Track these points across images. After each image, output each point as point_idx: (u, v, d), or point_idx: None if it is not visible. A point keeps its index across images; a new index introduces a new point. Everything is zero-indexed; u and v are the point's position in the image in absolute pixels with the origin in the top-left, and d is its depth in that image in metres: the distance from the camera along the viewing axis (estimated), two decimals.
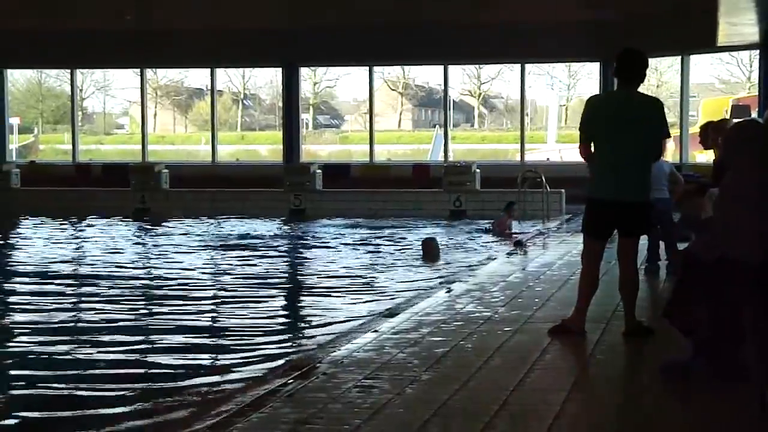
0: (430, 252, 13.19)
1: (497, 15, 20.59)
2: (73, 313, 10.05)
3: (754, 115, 20.96)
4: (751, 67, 29.94)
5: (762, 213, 5.55)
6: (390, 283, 11.39)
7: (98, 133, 39.20)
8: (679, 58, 21.49)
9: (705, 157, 19.24)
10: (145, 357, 7.93)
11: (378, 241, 15.98)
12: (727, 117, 21.62)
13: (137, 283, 11.91)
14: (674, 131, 19.21)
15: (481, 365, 6.21)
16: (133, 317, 9.65)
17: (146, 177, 21.85)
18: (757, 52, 19.79)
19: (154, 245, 16.03)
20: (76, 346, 8.28)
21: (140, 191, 21.65)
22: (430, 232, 16.71)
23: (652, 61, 24.93)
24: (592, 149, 6.99)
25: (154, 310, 10.16)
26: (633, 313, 7.07)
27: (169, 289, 11.25)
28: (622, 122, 6.88)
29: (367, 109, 25.21)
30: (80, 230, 18.64)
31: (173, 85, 38.50)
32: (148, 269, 13.26)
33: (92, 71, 33.14)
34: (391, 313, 8.27)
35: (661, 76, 31.12)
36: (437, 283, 10.53)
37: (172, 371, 7.25)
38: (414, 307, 8.46)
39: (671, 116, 21.82)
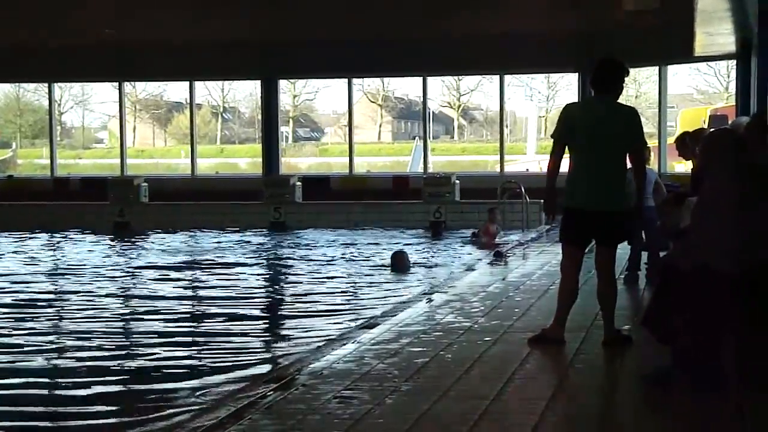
0: (399, 264, 13.21)
1: (476, 26, 20.66)
2: (51, 327, 9.97)
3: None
4: (728, 77, 30.18)
5: (738, 222, 5.58)
6: (370, 294, 11.39)
7: (77, 147, 39.11)
8: (657, 68, 21.60)
9: (683, 167, 19.34)
10: (124, 371, 7.88)
11: (358, 252, 15.97)
12: (705, 127, 21.76)
13: (114, 297, 11.83)
14: (653, 141, 19.27)
15: (461, 375, 6.19)
16: (110, 331, 9.59)
17: (125, 191, 21.79)
18: (734, 62, 19.91)
19: (133, 258, 15.95)
20: (52, 362, 8.21)
21: (119, 205, 21.57)
22: (411, 242, 16.72)
23: (631, 72, 25.11)
24: (566, 158, 6.99)
25: (131, 325, 10.09)
26: (612, 322, 7.07)
27: (147, 304, 11.18)
28: (598, 131, 6.88)
29: (347, 122, 25.21)
30: (57, 244, 18.53)
31: (152, 99, 38.47)
32: (127, 283, 13.18)
33: (71, 85, 33.08)
34: (371, 324, 8.24)
35: (639, 87, 31.33)
36: (417, 294, 10.51)
37: (150, 385, 7.21)
38: (394, 318, 8.44)
39: (650, 126, 21.93)
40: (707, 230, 5.72)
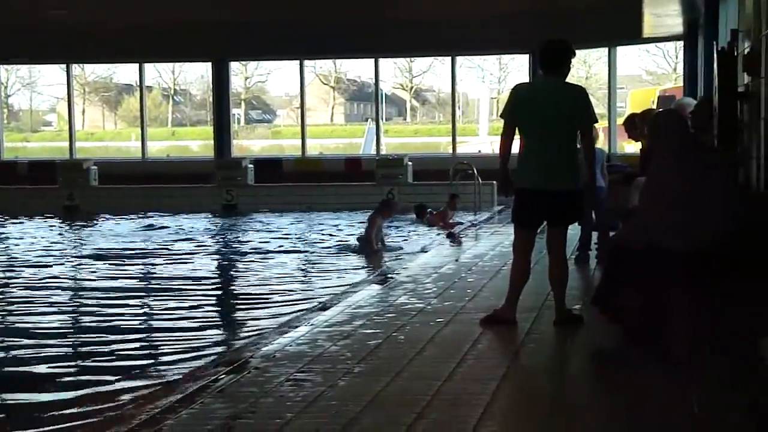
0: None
1: (426, 8, 20.66)
2: None
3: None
4: (677, 58, 30.47)
5: (685, 201, 5.65)
6: (323, 276, 11.38)
7: (25, 130, 38.55)
8: (607, 49, 21.76)
9: (633, 147, 19.50)
10: (75, 357, 7.79)
11: (311, 234, 15.94)
12: (654, 107, 21.95)
13: (64, 282, 11.70)
14: (603, 122, 19.43)
15: (414, 356, 6.22)
16: (59, 318, 9.47)
17: (75, 174, 21.53)
18: (682, 43, 20.10)
19: (82, 243, 15.79)
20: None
21: (68, 188, 21.33)
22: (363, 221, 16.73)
23: (581, 53, 25.28)
24: (517, 138, 7.03)
25: (81, 310, 9.96)
26: (563, 302, 7.13)
27: (96, 289, 11.06)
28: (547, 112, 6.91)
29: (299, 104, 25.12)
30: (4, 229, 18.28)
31: (101, 81, 38.02)
32: (75, 269, 13.02)
33: (17, 67, 32.58)
34: (323, 306, 8.25)
35: (589, 68, 31.55)
36: (370, 276, 10.53)
37: (101, 371, 7.15)
38: (347, 300, 8.45)
39: (600, 107, 22.08)
40: (656, 210, 5.79)
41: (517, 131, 7.02)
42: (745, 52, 7.92)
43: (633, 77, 33.62)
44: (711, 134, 8.20)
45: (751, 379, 3.67)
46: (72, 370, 7.30)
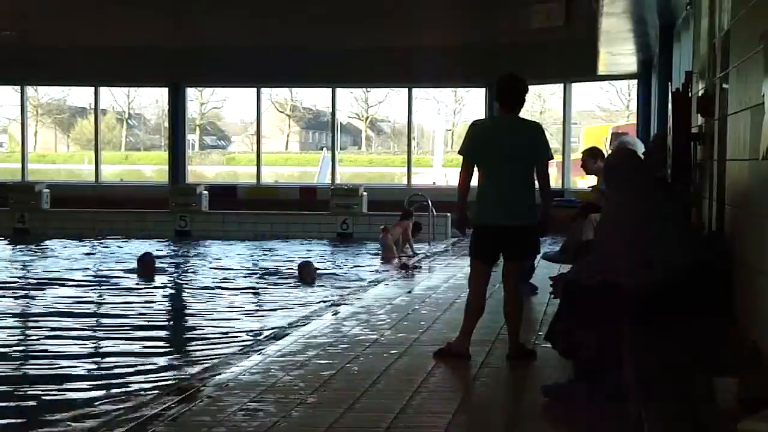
0: (306, 275, 13.18)
1: (384, 39, 20.83)
2: None
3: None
4: (629, 95, 30.85)
5: (639, 238, 5.71)
6: (276, 306, 11.33)
7: None
8: (562, 85, 22.02)
9: (586, 182, 19.70)
10: (22, 385, 7.65)
11: (265, 263, 15.88)
12: (607, 144, 22.27)
13: (12, 307, 11.54)
14: (557, 157, 19.64)
15: (367, 388, 6.21)
16: (7, 343, 9.33)
17: (26, 196, 21.30)
18: (635, 81, 20.41)
19: (33, 268, 15.59)
20: None
21: (20, 211, 21.08)
22: (318, 253, 16.71)
23: (537, 88, 25.57)
24: (475, 174, 7.08)
25: (31, 336, 9.82)
26: (517, 336, 7.17)
27: (45, 315, 10.88)
28: (505, 147, 6.99)
29: (255, 131, 25.07)
30: None
31: (55, 103, 37.69)
32: (26, 293, 12.82)
33: None
34: (277, 336, 8.22)
35: (544, 103, 31.82)
36: (324, 306, 10.51)
37: (51, 398, 7.05)
38: (300, 330, 8.43)
39: (554, 142, 22.30)
40: (610, 247, 5.84)
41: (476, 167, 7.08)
42: (699, 93, 8.06)
43: (587, 113, 33.97)
44: (665, 172, 8.32)
45: (703, 419, 3.70)
46: (17, 401, 7.15)
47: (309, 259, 14.40)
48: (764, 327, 4.61)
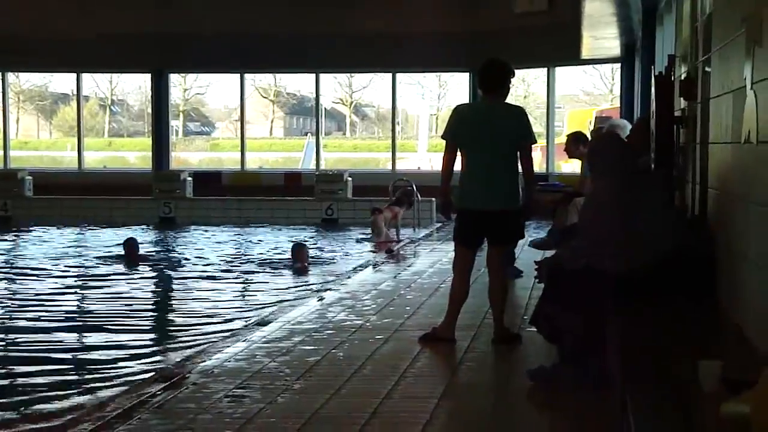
0: (300, 258, 13.15)
1: (368, 24, 20.80)
2: None
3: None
4: (612, 79, 30.92)
5: (623, 222, 5.73)
6: (261, 292, 11.33)
7: None
8: (546, 69, 22.03)
9: (570, 166, 19.75)
10: (7, 374, 7.63)
11: (249, 249, 15.86)
12: (591, 128, 22.27)
13: None
14: (541, 141, 19.64)
15: (353, 373, 6.23)
16: None
17: (8, 184, 21.19)
18: (619, 65, 20.45)
19: (15, 255, 15.53)
20: None
21: (2, 198, 20.97)
22: (302, 239, 16.69)
23: (521, 73, 25.52)
24: (458, 158, 7.09)
25: (14, 326, 9.76)
26: (502, 320, 7.20)
27: (28, 304, 10.84)
28: (488, 132, 7.00)
29: (239, 117, 25.01)
30: None
31: (37, 90, 37.50)
32: (8, 280, 12.77)
33: None
34: (262, 322, 8.21)
35: (528, 87, 31.88)
36: (309, 292, 10.51)
37: (36, 387, 7.02)
38: (286, 316, 8.43)
39: (538, 126, 22.34)
40: (594, 231, 5.86)
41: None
42: (682, 77, 8.07)
43: (570, 97, 34.04)
44: (648, 156, 8.34)
45: (687, 401, 3.72)
46: (2, 386, 7.15)
47: (303, 242, 14.39)
48: (747, 310, 4.63)
